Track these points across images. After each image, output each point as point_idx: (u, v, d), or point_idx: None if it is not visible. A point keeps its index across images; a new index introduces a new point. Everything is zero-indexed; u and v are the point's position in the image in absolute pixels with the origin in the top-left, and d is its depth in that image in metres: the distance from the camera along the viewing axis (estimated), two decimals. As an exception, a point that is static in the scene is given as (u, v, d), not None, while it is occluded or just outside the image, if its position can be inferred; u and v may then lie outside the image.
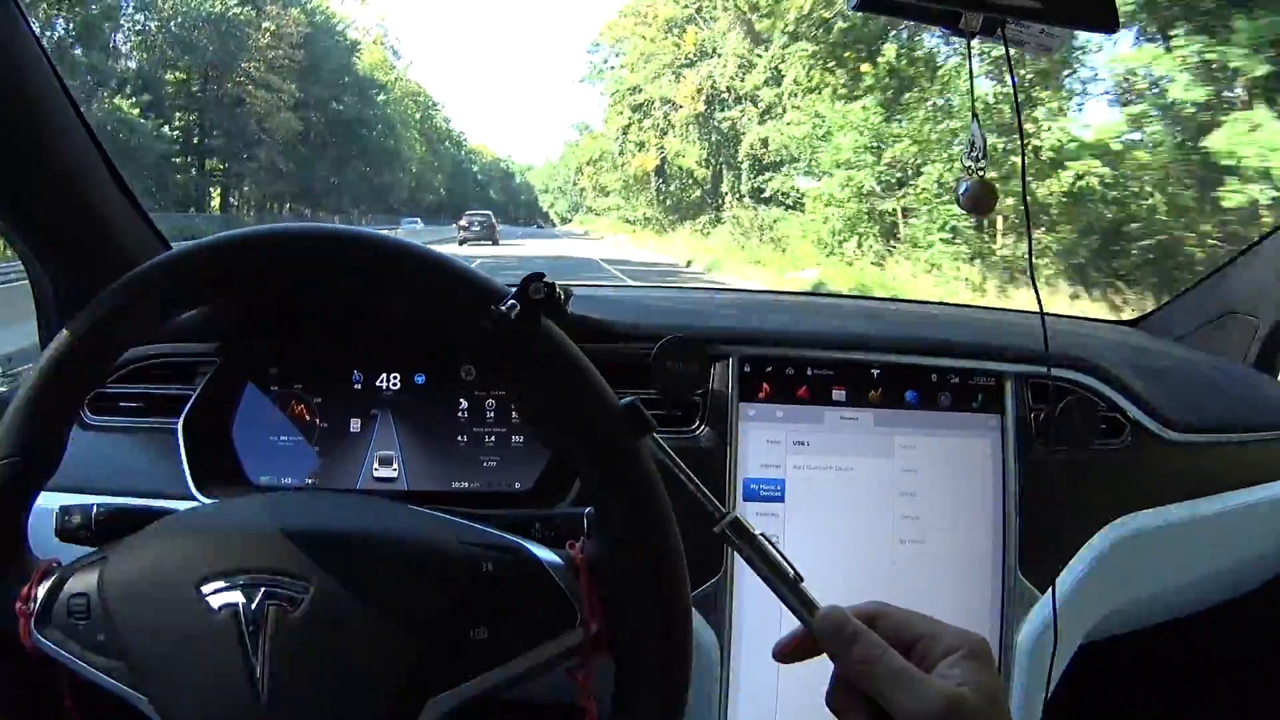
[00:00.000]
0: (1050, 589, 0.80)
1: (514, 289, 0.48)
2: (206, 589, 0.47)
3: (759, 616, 0.79)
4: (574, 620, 0.49)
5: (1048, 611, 0.80)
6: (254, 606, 0.47)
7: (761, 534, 0.46)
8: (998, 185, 0.76)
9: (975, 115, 0.82)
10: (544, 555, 0.51)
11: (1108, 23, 0.77)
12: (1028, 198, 0.87)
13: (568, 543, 0.52)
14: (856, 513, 0.80)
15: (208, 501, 0.76)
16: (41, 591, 0.50)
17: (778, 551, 0.45)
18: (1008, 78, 0.81)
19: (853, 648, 0.41)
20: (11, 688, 0.51)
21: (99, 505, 0.57)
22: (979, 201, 0.76)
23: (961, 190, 0.76)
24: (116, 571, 0.50)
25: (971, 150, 0.77)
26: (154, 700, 0.48)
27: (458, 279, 0.49)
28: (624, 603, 0.49)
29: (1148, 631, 0.91)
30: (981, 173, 0.76)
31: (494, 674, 0.48)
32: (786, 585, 0.44)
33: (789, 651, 0.45)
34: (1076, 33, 0.80)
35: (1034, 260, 0.84)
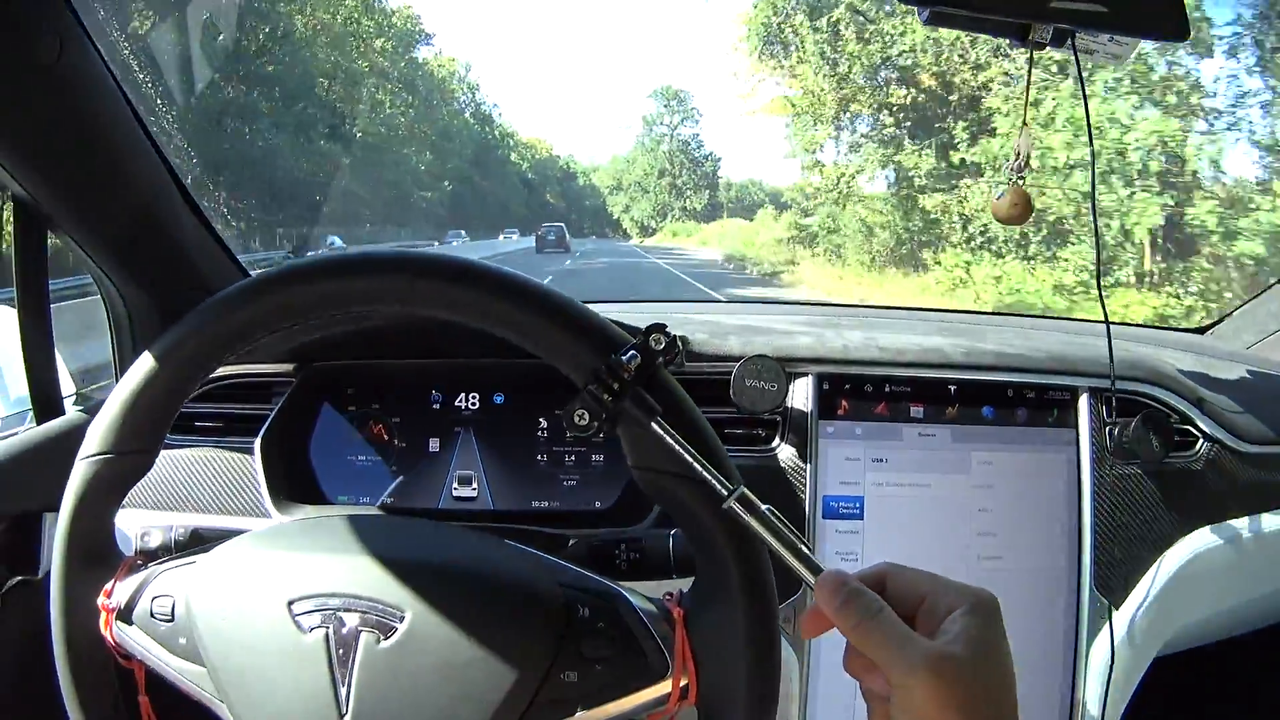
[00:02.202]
0: (1120, 605, 0.80)
1: (635, 337, 0.48)
2: (298, 608, 0.48)
3: (837, 634, 0.79)
4: (665, 671, 0.49)
5: (1122, 626, 0.80)
6: (345, 630, 0.47)
7: (767, 507, 0.45)
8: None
9: (1025, 124, 0.82)
10: (640, 605, 0.50)
11: (1179, 31, 0.77)
12: (1096, 211, 0.87)
13: (665, 593, 0.51)
14: (934, 529, 0.80)
15: (288, 521, 0.77)
16: (126, 589, 0.51)
17: (782, 522, 0.44)
18: (1079, 89, 0.82)
19: (850, 608, 0.40)
20: (90, 681, 0.52)
21: (178, 527, 0.58)
22: (1017, 211, 0.77)
23: (998, 198, 0.76)
24: (206, 580, 0.50)
25: (1016, 159, 0.78)
26: (233, 709, 0.49)
27: (578, 323, 0.49)
28: (716, 658, 0.48)
29: (1225, 645, 0.91)
30: (1021, 182, 0.76)
31: (582, 717, 0.48)
32: (791, 552, 0.43)
33: (809, 624, 0.43)
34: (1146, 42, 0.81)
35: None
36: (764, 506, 0.44)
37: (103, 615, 0.51)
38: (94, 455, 0.50)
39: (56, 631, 0.51)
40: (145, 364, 0.51)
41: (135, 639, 0.51)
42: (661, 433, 0.47)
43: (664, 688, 0.49)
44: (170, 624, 0.50)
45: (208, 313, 0.51)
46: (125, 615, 0.51)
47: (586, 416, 0.80)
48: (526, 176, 54.02)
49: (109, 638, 0.51)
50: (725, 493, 0.45)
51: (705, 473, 0.46)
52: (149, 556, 0.58)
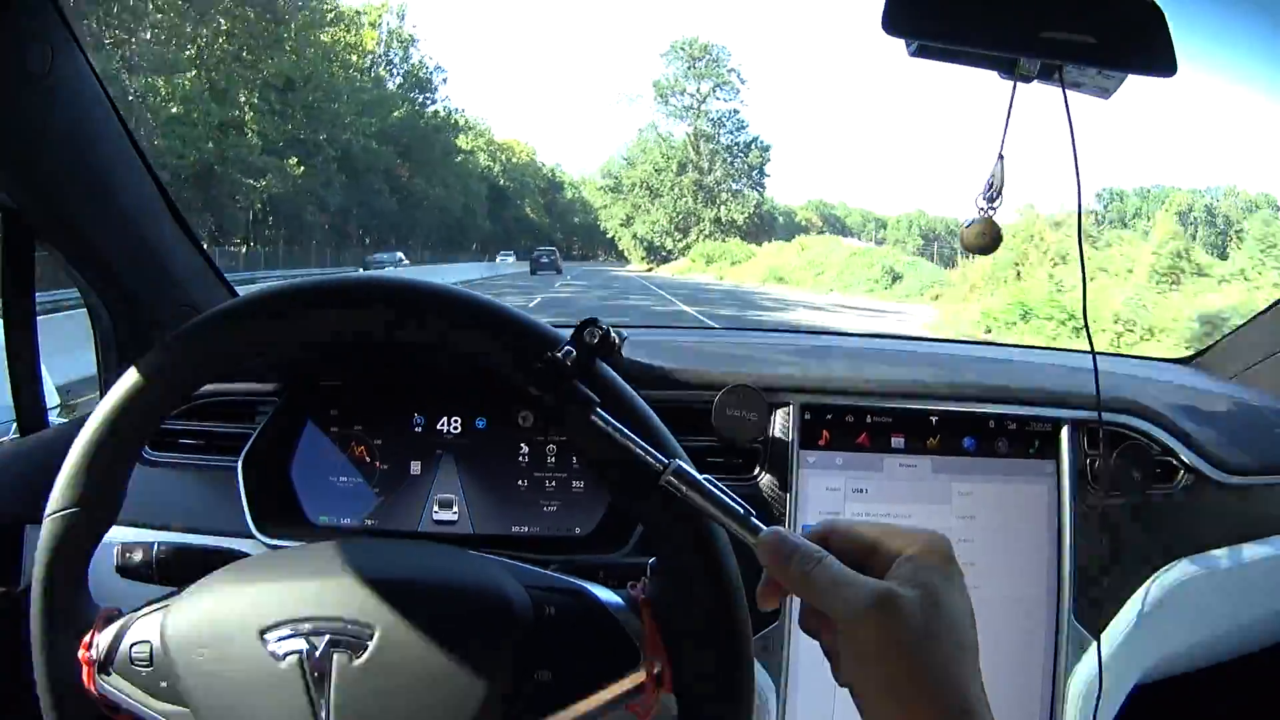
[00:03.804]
0: (1100, 633, 0.81)
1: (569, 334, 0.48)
2: (270, 636, 0.48)
3: (815, 663, 0.79)
4: (636, 660, 0.49)
5: (1103, 655, 0.80)
6: (318, 654, 0.48)
7: (705, 477, 0.45)
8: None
9: (1001, 157, 0.81)
10: (606, 597, 0.51)
11: (1166, 66, 0.76)
12: (1082, 244, 0.87)
13: (629, 583, 0.52)
14: (914, 559, 0.80)
15: (267, 540, 0.77)
16: (104, 639, 0.51)
17: (721, 490, 0.44)
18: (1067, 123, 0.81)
19: (792, 561, 0.40)
20: None
21: (160, 543, 0.58)
22: (985, 240, 0.76)
23: (967, 225, 0.75)
24: (178, 620, 0.51)
25: (989, 190, 0.77)
26: None
27: (513, 326, 0.50)
28: (686, 640, 0.49)
29: (1204, 673, 0.91)
30: (993, 213, 0.76)
31: (558, 715, 0.49)
32: (731, 517, 0.44)
33: (766, 593, 0.43)
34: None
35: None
36: (701, 476, 0.45)
37: (84, 670, 0.51)
38: (60, 511, 0.51)
39: (42, 692, 0.51)
40: (102, 413, 0.51)
41: (118, 688, 0.51)
42: (600, 422, 0.47)
43: (638, 677, 0.49)
44: (150, 669, 0.50)
45: (160, 354, 0.52)
46: (105, 666, 0.51)
47: (530, 417, 0.80)
48: (497, 183, 40.90)
49: (92, 690, 0.51)
50: (660, 469, 0.46)
51: (641, 452, 0.47)
52: (130, 574, 0.59)
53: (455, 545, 0.57)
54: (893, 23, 0.69)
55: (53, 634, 0.51)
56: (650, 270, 33.45)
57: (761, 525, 0.43)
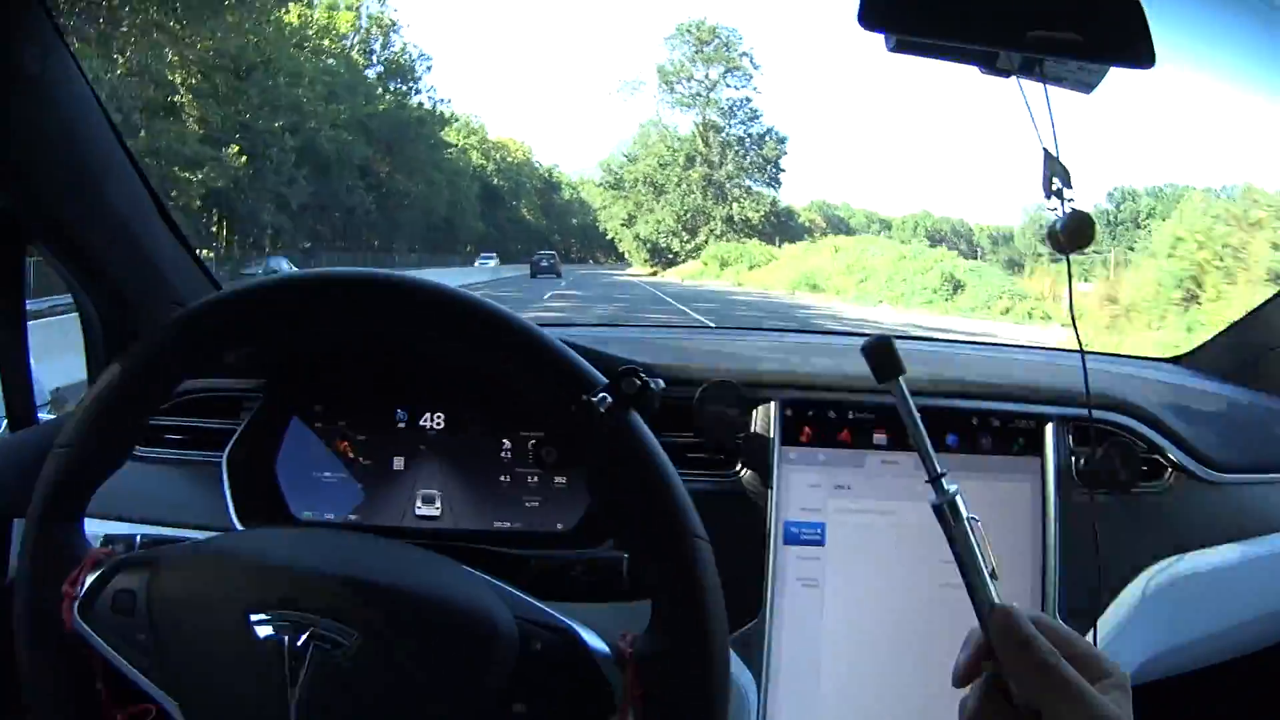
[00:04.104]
0: (1086, 633, 0.80)
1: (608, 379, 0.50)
2: (255, 617, 0.49)
3: (797, 659, 0.79)
4: (611, 709, 0.50)
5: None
6: (299, 644, 0.48)
7: (970, 517, 0.46)
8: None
9: (1047, 154, 0.77)
10: (594, 643, 0.51)
11: (1144, 57, 0.76)
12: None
13: (622, 634, 0.52)
14: (897, 556, 0.80)
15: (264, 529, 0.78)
16: (89, 579, 0.52)
17: (979, 542, 0.45)
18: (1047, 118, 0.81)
19: (1029, 651, 0.40)
20: (48, 668, 0.53)
21: (142, 535, 0.59)
22: (1080, 234, 0.73)
23: (1059, 225, 0.71)
24: (168, 581, 0.51)
25: (1053, 184, 0.74)
26: (184, 707, 0.50)
27: (554, 361, 0.51)
28: (666, 699, 0.50)
29: (1193, 676, 0.90)
30: (1072, 202, 0.74)
31: None
32: (980, 577, 0.44)
33: (967, 669, 0.43)
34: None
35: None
36: (969, 515, 0.47)
37: (64, 603, 0.52)
38: (67, 445, 0.52)
39: (19, 622, 0.52)
40: (126, 361, 0.53)
41: (94, 628, 0.52)
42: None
43: None
44: (129, 618, 0.51)
45: (189, 319, 0.54)
46: (87, 606, 0.52)
47: (555, 454, 0.81)
48: (491, 183, 38.05)
49: (68, 625, 0.52)
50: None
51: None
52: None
53: (437, 540, 0.58)
54: (867, 17, 0.69)
55: (40, 564, 0.52)
56: (655, 274, 30.11)
57: (996, 601, 0.43)
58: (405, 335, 0.58)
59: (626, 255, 34.44)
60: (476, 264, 29.91)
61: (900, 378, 0.44)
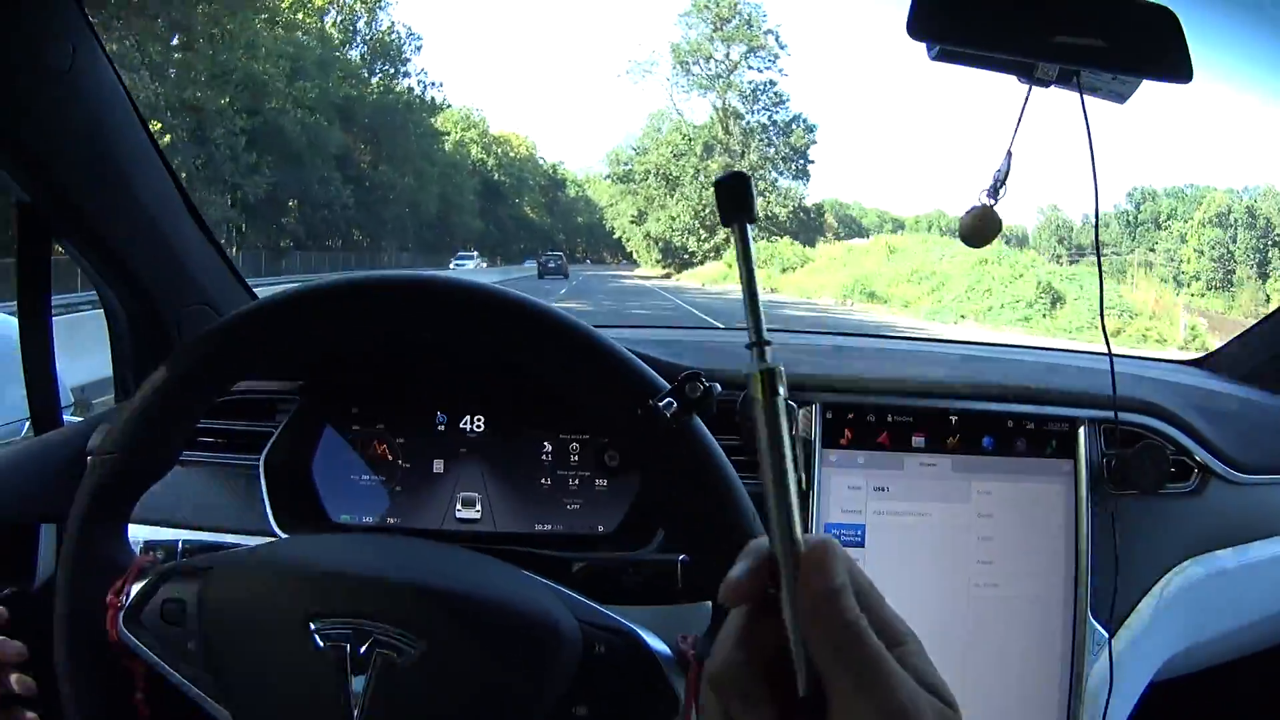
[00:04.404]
0: (1117, 631, 0.82)
1: (671, 384, 0.50)
2: (315, 625, 0.48)
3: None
4: (674, 711, 0.50)
5: (1119, 652, 0.81)
6: (361, 651, 0.48)
7: (787, 400, 0.35)
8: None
9: (1010, 154, 0.82)
10: (656, 645, 0.51)
11: (1182, 72, 0.78)
12: (1100, 245, 0.88)
13: (680, 636, 0.53)
14: (934, 558, 0.81)
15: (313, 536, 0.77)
16: (135, 588, 0.52)
17: (792, 441, 0.36)
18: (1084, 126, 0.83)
19: (836, 603, 0.29)
20: (88, 677, 0.52)
21: (184, 542, 0.58)
22: (982, 229, 0.77)
23: (967, 214, 0.77)
24: (222, 589, 0.51)
25: (995, 183, 0.78)
26: (236, 716, 0.50)
27: (619, 368, 0.51)
28: None
29: (1217, 670, 0.92)
30: (993, 204, 0.77)
31: None
32: (784, 480, 0.32)
33: (745, 589, 0.31)
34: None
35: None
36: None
37: (108, 613, 0.51)
38: (111, 453, 0.52)
39: (59, 622, 0.51)
40: (170, 368, 0.52)
41: (140, 639, 0.51)
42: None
43: None
44: (179, 628, 0.51)
45: (239, 323, 0.53)
46: (133, 615, 0.51)
47: (618, 458, 0.81)
48: (492, 178, 36.23)
49: (113, 635, 0.51)
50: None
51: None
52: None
53: (478, 543, 0.58)
54: (917, 27, 0.70)
55: (83, 572, 0.51)
56: (669, 277, 27.00)
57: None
58: (459, 342, 0.58)
59: (635, 255, 31.29)
60: (452, 265, 27.49)
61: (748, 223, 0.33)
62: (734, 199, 0.33)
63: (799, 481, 0.36)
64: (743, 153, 28.32)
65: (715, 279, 23.99)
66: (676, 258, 28.52)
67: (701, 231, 27.33)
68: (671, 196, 28.65)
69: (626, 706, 0.50)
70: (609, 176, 31.43)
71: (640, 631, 0.52)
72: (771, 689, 0.30)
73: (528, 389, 0.79)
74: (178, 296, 0.91)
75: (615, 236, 32.15)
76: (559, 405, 0.81)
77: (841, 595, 0.29)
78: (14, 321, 0.88)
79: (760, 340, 0.34)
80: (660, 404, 0.48)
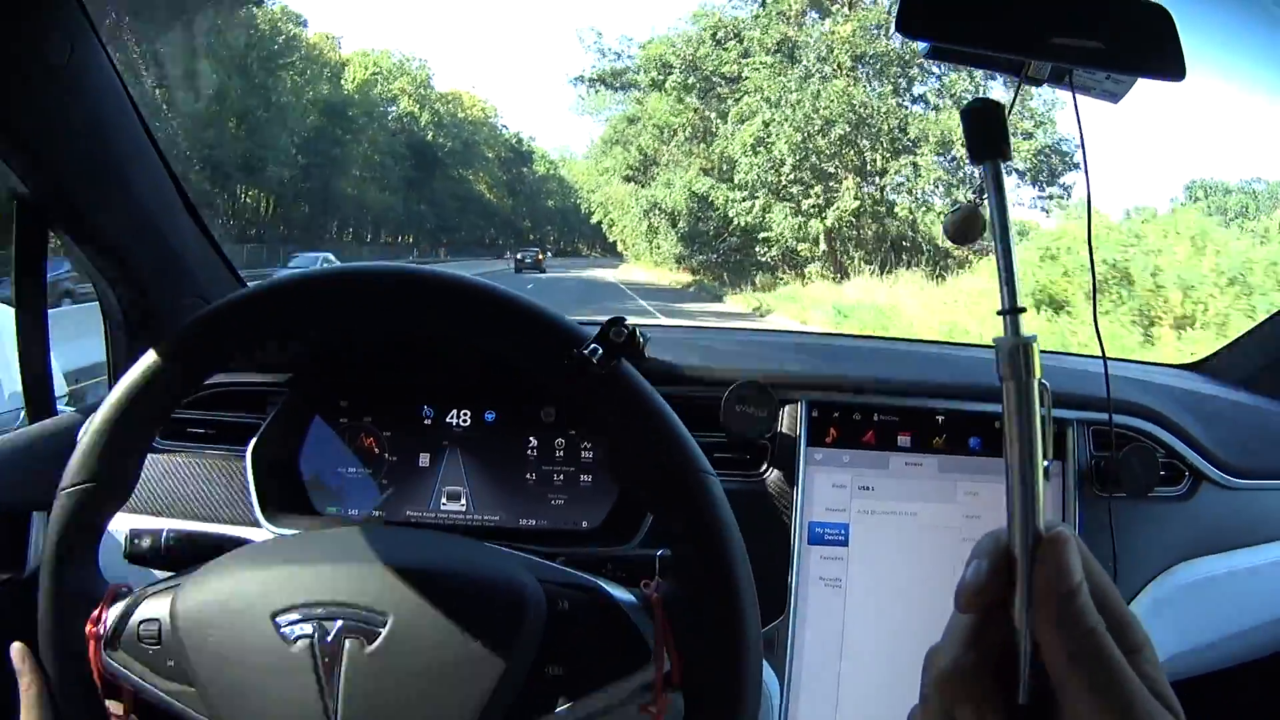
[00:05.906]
0: None
1: (595, 332, 0.49)
2: (282, 620, 0.49)
3: (820, 658, 0.79)
4: (647, 658, 0.50)
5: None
6: (330, 638, 0.48)
7: (1041, 381, 0.33)
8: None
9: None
10: (619, 594, 0.52)
11: (1175, 71, 0.77)
12: (1092, 246, 0.88)
13: (642, 581, 0.53)
14: (919, 557, 0.80)
15: (275, 530, 0.77)
16: (112, 615, 0.52)
17: (1044, 421, 0.32)
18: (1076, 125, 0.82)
19: (1077, 605, 0.27)
20: (77, 707, 0.53)
21: (169, 530, 0.59)
22: (966, 229, 0.77)
23: (952, 212, 0.76)
24: (190, 600, 0.51)
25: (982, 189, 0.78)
26: None
27: (541, 322, 0.51)
28: (697, 640, 0.50)
29: (1205, 679, 0.91)
30: (980, 203, 0.77)
31: (568, 710, 0.49)
32: (1034, 473, 0.30)
33: (984, 593, 0.30)
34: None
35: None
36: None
37: (89, 644, 0.52)
38: (74, 486, 0.51)
39: (49, 665, 0.52)
40: (119, 392, 0.52)
41: (124, 664, 0.51)
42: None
43: (648, 675, 0.50)
44: (157, 647, 0.51)
45: (179, 338, 0.53)
46: (112, 642, 0.52)
47: (554, 414, 0.82)
48: (424, 139, 27.35)
49: (96, 666, 0.52)
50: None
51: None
52: (138, 560, 0.59)
53: (470, 538, 0.58)
54: (906, 24, 0.70)
55: (61, 607, 0.52)
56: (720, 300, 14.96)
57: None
58: (384, 326, 0.57)
59: (620, 247, 22.77)
60: (291, 264, 15.83)
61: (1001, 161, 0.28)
62: (984, 130, 0.28)
63: (1045, 473, 0.32)
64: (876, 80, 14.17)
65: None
66: (721, 261, 15.47)
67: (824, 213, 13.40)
68: (678, 164, 15.56)
69: (598, 659, 0.50)
70: (605, 142, 19.66)
71: (602, 583, 0.53)
72: (1005, 696, 0.28)
73: (513, 384, 0.80)
74: (172, 290, 0.92)
75: (593, 221, 23.52)
76: (543, 401, 0.81)
77: (1079, 596, 0.28)
78: (9, 311, 0.89)
79: (1014, 307, 0.29)
80: (585, 350, 0.48)
